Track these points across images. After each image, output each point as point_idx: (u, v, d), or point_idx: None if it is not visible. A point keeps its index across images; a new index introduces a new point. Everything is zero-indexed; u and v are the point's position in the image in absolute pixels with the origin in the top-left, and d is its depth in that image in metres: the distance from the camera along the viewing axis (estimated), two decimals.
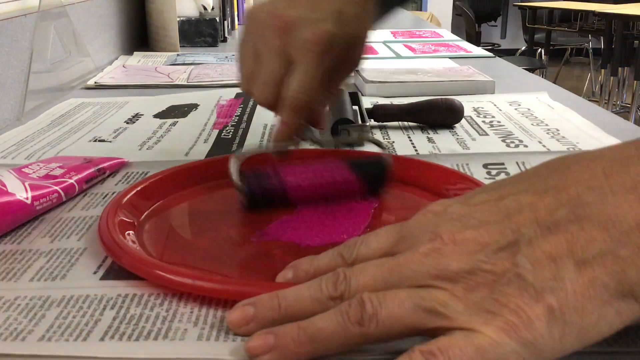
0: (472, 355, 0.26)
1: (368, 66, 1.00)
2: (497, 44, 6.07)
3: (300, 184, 0.47)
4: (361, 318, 0.29)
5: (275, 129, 0.48)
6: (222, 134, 0.69)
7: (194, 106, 0.83)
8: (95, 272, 0.39)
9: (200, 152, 0.63)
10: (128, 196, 0.46)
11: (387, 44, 1.38)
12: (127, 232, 0.42)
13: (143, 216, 0.46)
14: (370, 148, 0.62)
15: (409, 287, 0.29)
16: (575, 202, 0.28)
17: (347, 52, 0.49)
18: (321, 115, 0.51)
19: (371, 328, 0.28)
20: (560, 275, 0.27)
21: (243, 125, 0.73)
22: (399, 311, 0.28)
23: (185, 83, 0.98)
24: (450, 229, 0.30)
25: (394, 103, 0.73)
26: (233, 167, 0.46)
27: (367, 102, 0.78)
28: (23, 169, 0.50)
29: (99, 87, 0.96)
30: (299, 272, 0.35)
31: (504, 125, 0.72)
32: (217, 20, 1.42)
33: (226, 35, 1.53)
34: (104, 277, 0.38)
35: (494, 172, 0.57)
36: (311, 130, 0.50)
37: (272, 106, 0.48)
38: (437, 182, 0.51)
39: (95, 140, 0.68)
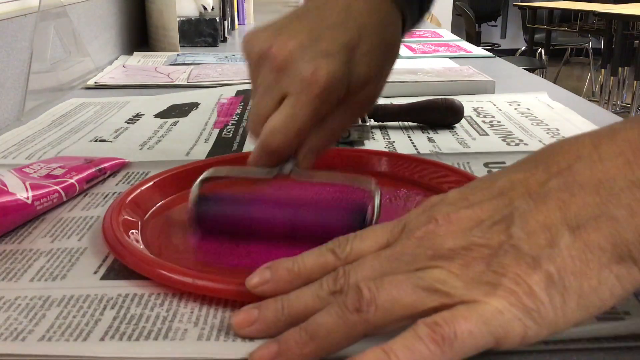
0: (476, 324, 0.27)
1: None
2: (497, 44, 6.07)
3: (259, 218, 0.42)
4: (359, 304, 0.28)
5: (250, 156, 0.43)
6: (223, 134, 0.69)
7: (195, 105, 0.83)
8: (95, 272, 0.39)
9: (201, 152, 0.63)
10: (132, 195, 0.47)
11: None
12: (131, 231, 0.42)
13: (147, 215, 0.46)
14: (372, 146, 0.62)
15: (406, 271, 0.29)
16: (566, 172, 0.29)
17: (355, 93, 0.42)
18: (304, 158, 0.43)
19: (370, 313, 0.28)
20: (556, 241, 0.27)
21: (244, 124, 0.73)
22: (397, 292, 0.28)
23: (185, 83, 0.98)
24: (445, 211, 0.31)
25: (393, 103, 0.73)
26: (194, 187, 0.43)
27: None
28: (24, 169, 0.50)
29: (99, 87, 0.96)
30: (279, 270, 0.33)
31: (503, 125, 0.72)
32: (217, 20, 1.42)
33: (226, 35, 1.53)
34: (105, 277, 0.38)
35: (495, 170, 0.57)
36: (291, 163, 0.43)
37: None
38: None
39: (96, 140, 0.68)
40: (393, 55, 0.45)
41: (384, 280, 0.29)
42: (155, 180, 0.50)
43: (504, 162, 0.59)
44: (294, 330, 0.30)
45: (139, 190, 0.48)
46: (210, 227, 0.43)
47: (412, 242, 0.30)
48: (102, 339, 0.32)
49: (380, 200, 0.42)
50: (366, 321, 0.28)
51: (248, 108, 0.81)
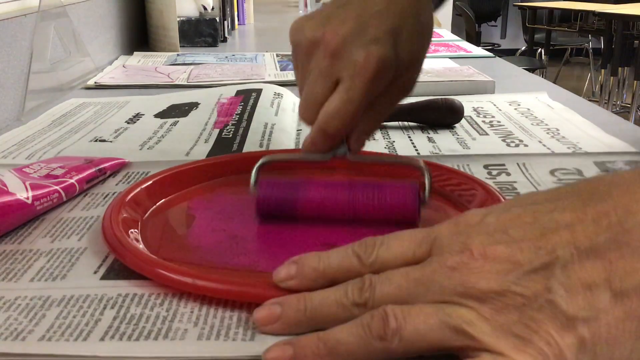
0: None
1: None
2: (497, 44, 6.07)
3: (316, 201, 0.45)
4: (384, 333, 0.28)
5: (304, 141, 0.45)
6: (223, 134, 0.69)
7: (195, 105, 0.83)
8: (95, 272, 0.39)
9: (201, 152, 0.63)
10: (132, 193, 0.47)
11: None
12: (131, 230, 0.42)
13: (147, 214, 0.47)
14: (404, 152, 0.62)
15: (434, 301, 0.28)
16: (616, 229, 0.27)
17: (399, 77, 0.44)
18: (356, 140, 0.46)
19: (394, 343, 0.28)
20: (595, 305, 0.26)
21: (244, 124, 0.73)
22: (424, 327, 0.28)
23: (185, 83, 0.98)
24: (481, 243, 0.29)
25: None
26: (254, 172, 0.46)
27: None
28: (24, 169, 0.50)
29: (99, 87, 0.96)
30: (304, 268, 0.33)
31: (503, 125, 0.72)
32: (217, 20, 1.42)
33: (226, 35, 1.53)
34: (105, 277, 0.38)
35: (494, 172, 0.57)
36: (345, 147, 0.45)
37: (311, 124, 0.45)
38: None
39: (96, 140, 0.68)
40: (429, 38, 0.47)
41: (411, 310, 0.28)
42: (155, 179, 0.50)
43: (503, 165, 0.59)
44: (312, 339, 0.29)
45: (139, 189, 0.48)
46: (272, 212, 0.45)
47: (444, 270, 0.29)
48: (102, 339, 0.32)
49: (431, 178, 0.45)
50: (387, 350, 0.28)
51: (248, 107, 0.81)
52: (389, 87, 0.44)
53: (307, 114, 0.44)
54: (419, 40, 0.45)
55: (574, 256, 0.27)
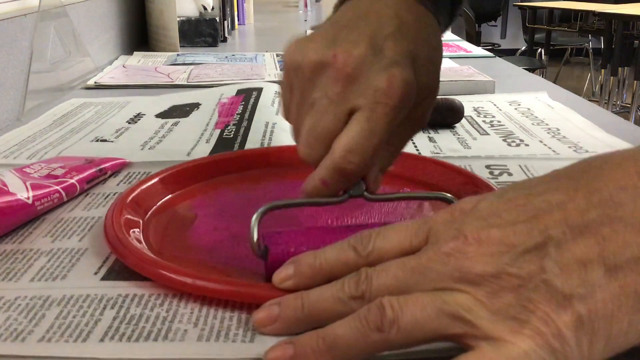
0: None
1: None
2: (497, 44, 6.07)
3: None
4: (381, 324, 0.28)
5: (309, 181, 0.38)
6: (224, 134, 0.69)
7: (196, 105, 0.82)
8: (96, 273, 0.39)
9: (202, 152, 0.63)
10: (134, 193, 0.47)
11: None
12: (133, 229, 0.42)
13: (149, 213, 0.47)
14: None
15: (431, 289, 0.28)
16: (607, 204, 0.27)
17: (418, 105, 0.39)
18: (375, 180, 0.39)
19: (392, 334, 0.28)
20: (590, 281, 0.26)
21: (245, 124, 0.73)
22: (421, 316, 0.27)
23: (185, 83, 0.98)
24: (475, 227, 0.29)
25: None
26: (254, 223, 0.37)
27: None
28: (24, 169, 0.50)
29: (99, 87, 0.96)
30: (301, 266, 0.33)
31: (504, 125, 0.72)
32: (217, 20, 1.42)
33: (226, 35, 1.53)
34: (105, 277, 0.38)
35: (496, 172, 0.57)
36: (360, 186, 0.39)
37: (316, 163, 0.38)
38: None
39: (97, 140, 0.68)
40: (440, 64, 0.43)
41: (408, 300, 0.28)
42: (157, 177, 0.50)
43: (505, 165, 0.58)
44: (312, 336, 0.29)
45: (140, 189, 0.48)
46: (278, 265, 0.36)
47: (439, 257, 0.29)
48: (101, 340, 0.32)
49: None
50: (386, 340, 0.28)
51: (249, 107, 0.81)
52: (405, 118, 0.38)
53: (314, 150, 0.37)
54: (434, 66, 0.41)
55: (566, 234, 0.27)
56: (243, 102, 0.82)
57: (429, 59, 0.40)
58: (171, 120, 0.76)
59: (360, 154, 0.36)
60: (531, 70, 2.97)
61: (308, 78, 0.38)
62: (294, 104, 0.40)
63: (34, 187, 0.46)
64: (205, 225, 0.46)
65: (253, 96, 0.83)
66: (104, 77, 1.01)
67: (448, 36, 1.54)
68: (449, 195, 0.41)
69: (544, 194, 0.29)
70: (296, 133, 0.40)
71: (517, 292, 0.27)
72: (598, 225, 0.27)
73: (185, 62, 1.16)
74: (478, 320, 0.27)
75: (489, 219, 0.29)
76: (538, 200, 0.29)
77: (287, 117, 0.41)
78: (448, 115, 0.71)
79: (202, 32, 1.40)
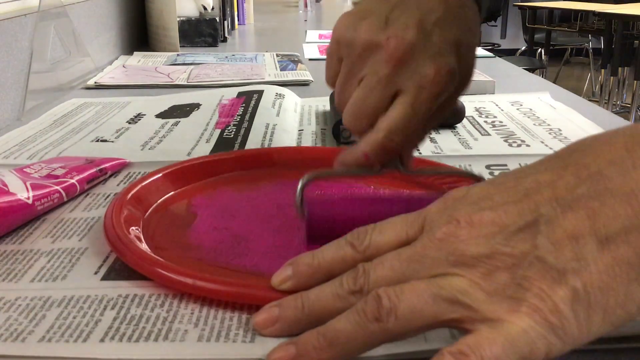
0: (503, 348, 0.26)
1: None
2: (497, 44, 6.07)
3: (370, 216, 0.38)
4: (379, 314, 0.28)
5: (352, 152, 0.41)
6: (225, 134, 0.69)
7: (196, 106, 0.82)
8: (96, 273, 0.39)
9: (203, 152, 0.63)
10: (134, 191, 0.47)
11: None
12: (132, 227, 0.42)
13: (149, 211, 0.46)
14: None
15: (428, 276, 0.29)
16: (596, 178, 0.27)
17: (455, 91, 0.41)
18: (409, 156, 0.43)
19: (390, 323, 0.28)
20: (583, 254, 0.26)
21: (245, 124, 0.73)
22: (418, 303, 0.28)
23: (185, 83, 0.98)
24: (467, 212, 0.29)
25: None
26: (299, 191, 0.40)
27: None
28: (25, 169, 0.50)
29: (99, 87, 0.96)
30: (299, 266, 0.33)
31: (505, 125, 0.72)
32: (217, 20, 1.42)
33: (226, 35, 1.53)
34: (105, 277, 0.38)
35: (496, 172, 0.57)
36: (396, 161, 0.42)
37: (360, 134, 0.41)
38: None
39: (97, 141, 0.68)
40: (476, 51, 0.44)
41: (404, 288, 0.28)
42: (157, 175, 0.50)
43: (505, 165, 0.58)
44: (312, 334, 0.29)
45: (140, 186, 0.48)
46: (324, 234, 0.38)
47: (433, 243, 0.29)
48: (102, 340, 0.32)
49: None
50: (385, 330, 0.28)
51: (250, 108, 0.81)
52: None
53: (359, 123, 0.41)
54: (472, 53, 0.43)
55: (557, 211, 0.27)
56: (244, 104, 0.82)
57: (470, 46, 0.42)
58: (171, 120, 0.76)
59: (401, 134, 0.39)
60: (531, 70, 2.97)
61: (358, 54, 0.40)
62: (341, 75, 0.42)
63: (34, 187, 0.46)
64: (205, 225, 0.46)
65: (254, 98, 0.83)
66: (104, 77, 1.01)
67: None
68: (477, 174, 0.43)
69: (533, 175, 0.29)
70: (339, 100, 0.43)
71: (511, 271, 0.27)
72: (587, 199, 0.27)
73: (185, 62, 1.16)
74: (475, 303, 0.27)
75: (480, 203, 0.29)
76: (527, 180, 0.29)
77: (331, 83, 0.44)
78: (449, 116, 0.71)
79: (202, 32, 1.40)
